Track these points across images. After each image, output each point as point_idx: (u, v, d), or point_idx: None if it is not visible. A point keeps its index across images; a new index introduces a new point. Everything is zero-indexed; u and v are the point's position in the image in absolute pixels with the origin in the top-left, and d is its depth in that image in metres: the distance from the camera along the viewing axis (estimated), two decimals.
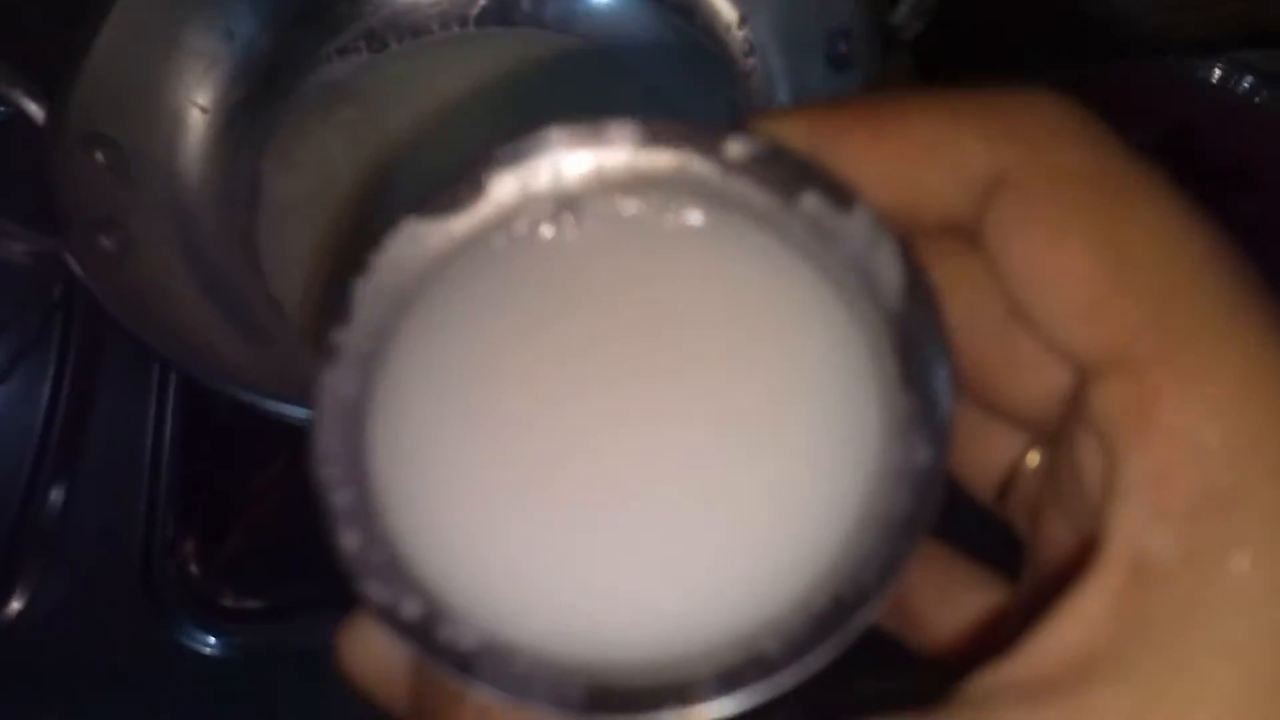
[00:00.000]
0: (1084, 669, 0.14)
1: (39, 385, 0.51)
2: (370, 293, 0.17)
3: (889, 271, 0.16)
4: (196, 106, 0.47)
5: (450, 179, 0.17)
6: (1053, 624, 0.15)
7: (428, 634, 0.16)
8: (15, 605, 0.47)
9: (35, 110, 0.40)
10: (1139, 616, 0.14)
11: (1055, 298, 0.16)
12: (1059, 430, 0.18)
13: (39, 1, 0.58)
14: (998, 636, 0.19)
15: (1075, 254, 0.16)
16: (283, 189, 0.49)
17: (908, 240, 0.16)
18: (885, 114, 0.17)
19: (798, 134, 0.17)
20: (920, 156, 0.17)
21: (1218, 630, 0.14)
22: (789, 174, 0.17)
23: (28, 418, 0.50)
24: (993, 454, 0.20)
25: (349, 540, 0.16)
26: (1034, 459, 0.19)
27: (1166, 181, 0.16)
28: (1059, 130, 0.16)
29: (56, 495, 0.49)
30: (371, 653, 0.18)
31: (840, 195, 0.17)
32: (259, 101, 0.49)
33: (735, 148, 0.17)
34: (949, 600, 0.21)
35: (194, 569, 0.48)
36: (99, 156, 0.42)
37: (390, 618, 0.16)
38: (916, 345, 0.16)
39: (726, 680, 0.15)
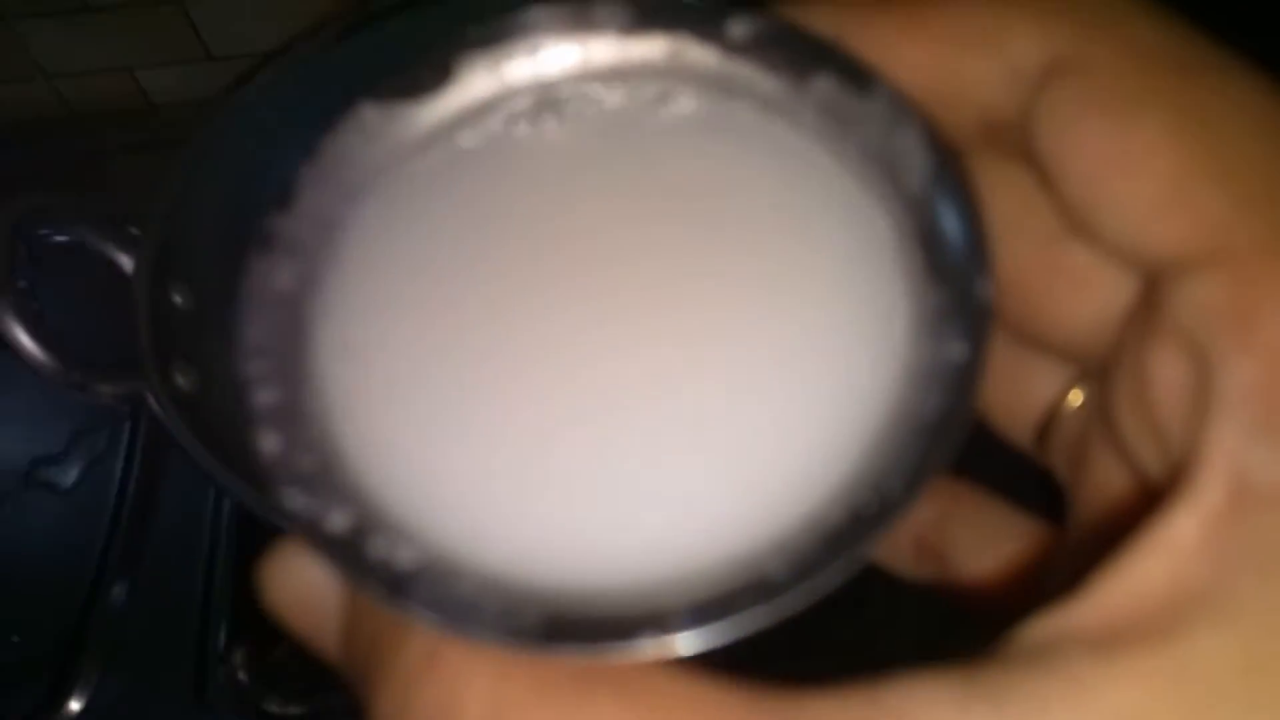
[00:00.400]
0: (1175, 609, 0.12)
1: (105, 495, 0.54)
2: (316, 180, 0.15)
3: (914, 154, 0.15)
4: (265, 243, 0.51)
5: (413, 60, 0.16)
6: (1130, 559, 0.13)
7: (356, 550, 0.13)
8: (74, 706, 0.50)
9: (125, 261, 0.44)
10: (1245, 545, 0.12)
11: (1129, 189, 0.14)
12: (1112, 357, 0.16)
13: (118, 125, 0.62)
14: (1044, 583, 0.17)
15: (1154, 137, 0.14)
16: None
17: (933, 120, 0.15)
18: None
19: (819, 20, 0.15)
20: (962, 42, 0.15)
21: None
22: (799, 56, 0.15)
23: (93, 526, 0.54)
24: (1029, 394, 0.18)
25: (269, 442, 0.14)
26: (1076, 398, 0.17)
27: (1247, 60, 0.14)
28: (1122, 7, 0.14)
29: (117, 600, 0.52)
30: (298, 580, 0.15)
31: (857, 76, 0.15)
32: None
33: (738, 28, 0.15)
34: (983, 543, 0.19)
35: (243, 676, 0.51)
36: (177, 299, 0.46)
37: (312, 530, 0.13)
38: (946, 232, 0.14)
39: (714, 606, 0.13)
